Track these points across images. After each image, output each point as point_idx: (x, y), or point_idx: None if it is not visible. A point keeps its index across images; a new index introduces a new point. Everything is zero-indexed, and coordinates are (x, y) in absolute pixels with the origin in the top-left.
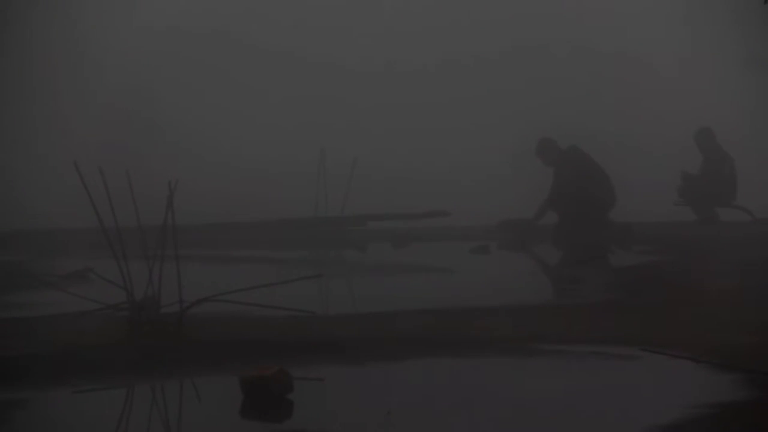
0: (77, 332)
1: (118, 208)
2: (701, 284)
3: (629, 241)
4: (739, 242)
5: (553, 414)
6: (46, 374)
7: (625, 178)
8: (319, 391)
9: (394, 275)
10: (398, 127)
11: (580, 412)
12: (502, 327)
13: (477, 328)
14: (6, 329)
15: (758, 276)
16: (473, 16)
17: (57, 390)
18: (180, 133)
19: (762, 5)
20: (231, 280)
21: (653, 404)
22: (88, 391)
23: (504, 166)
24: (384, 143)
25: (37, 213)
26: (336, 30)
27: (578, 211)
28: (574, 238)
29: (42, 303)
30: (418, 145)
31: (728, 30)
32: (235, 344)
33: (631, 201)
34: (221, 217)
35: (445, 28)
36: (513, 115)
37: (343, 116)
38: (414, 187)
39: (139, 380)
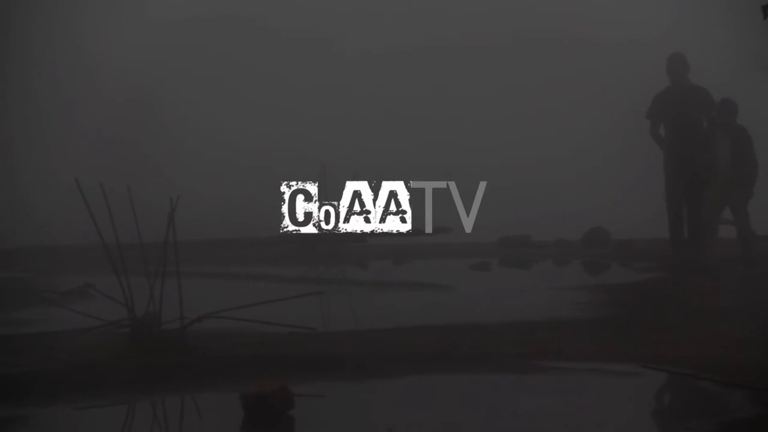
0: (78, 349)
1: (119, 223)
2: (702, 301)
3: (630, 257)
4: (739, 259)
5: (553, 430)
6: (47, 391)
7: (626, 192)
8: (320, 407)
9: (394, 291)
10: (400, 135)
11: (581, 428)
12: (503, 343)
13: (477, 344)
14: (8, 345)
15: (758, 293)
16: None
17: (58, 406)
18: (183, 145)
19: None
20: (232, 297)
21: (654, 421)
22: (89, 408)
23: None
24: (387, 152)
25: (38, 229)
26: (338, 32)
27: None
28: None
29: (43, 319)
30: (420, 155)
31: (728, 32)
32: (235, 360)
33: (632, 217)
34: (222, 233)
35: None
36: (515, 123)
37: (347, 120)
38: (416, 200)
39: (140, 397)
